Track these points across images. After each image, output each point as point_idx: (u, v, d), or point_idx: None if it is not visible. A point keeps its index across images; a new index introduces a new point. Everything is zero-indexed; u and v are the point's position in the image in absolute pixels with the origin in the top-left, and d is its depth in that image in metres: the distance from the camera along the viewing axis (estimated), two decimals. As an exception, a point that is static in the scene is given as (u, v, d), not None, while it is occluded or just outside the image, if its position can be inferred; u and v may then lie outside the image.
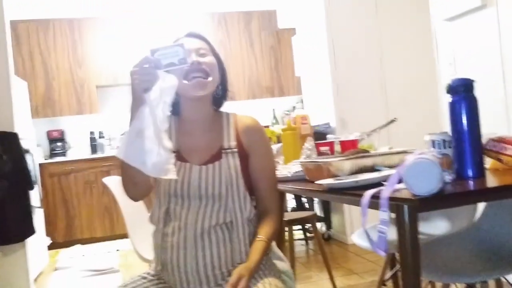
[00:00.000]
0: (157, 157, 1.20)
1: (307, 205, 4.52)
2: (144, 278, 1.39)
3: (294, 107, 6.34)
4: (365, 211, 1.17)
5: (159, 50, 1.16)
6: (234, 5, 6.05)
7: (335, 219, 4.32)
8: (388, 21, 4.21)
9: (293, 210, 4.51)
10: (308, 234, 4.37)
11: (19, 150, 3.43)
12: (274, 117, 6.21)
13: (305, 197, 4.50)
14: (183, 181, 1.37)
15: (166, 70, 1.20)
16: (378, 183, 1.27)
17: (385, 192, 1.11)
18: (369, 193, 1.16)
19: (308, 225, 4.35)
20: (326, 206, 4.33)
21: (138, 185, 1.38)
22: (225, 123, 1.47)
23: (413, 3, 4.27)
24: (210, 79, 1.39)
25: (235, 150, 1.42)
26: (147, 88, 1.18)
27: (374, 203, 1.16)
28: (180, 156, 1.42)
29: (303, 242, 4.31)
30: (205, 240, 1.33)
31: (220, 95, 1.50)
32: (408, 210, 1.15)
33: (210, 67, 1.40)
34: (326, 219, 4.35)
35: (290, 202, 4.76)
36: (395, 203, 1.14)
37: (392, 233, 1.33)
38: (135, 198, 1.43)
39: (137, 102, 1.21)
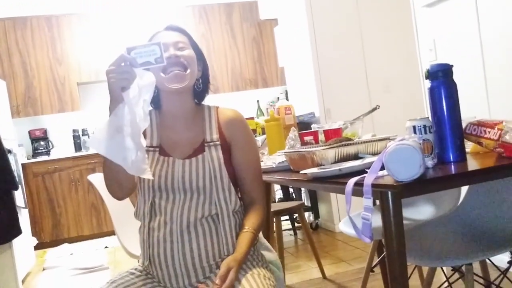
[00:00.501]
0: (135, 156, 1.19)
1: (294, 195, 4.54)
2: (132, 273, 1.39)
3: (278, 98, 6.34)
4: (349, 199, 1.17)
5: (136, 49, 1.15)
6: (214, -3, 6.01)
7: (322, 208, 4.35)
8: (368, 9, 4.23)
9: (280, 200, 4.53)
10: (296, 224, 4.40)
11: (1, 151, 3.38)
12: (259, 109, 6.21)
13: (292, 187, 4.52)
14: (167, 175, 1.37)
15: (142, 68, 1.19)
16: (361, 171, 1.27)
17: (368, 179, 1.11)
18: (352, 180, 1.16)
19: (295, 215, 4.37)
20: (313, 196, 4.35)
21: (123, 185, 1.37)
22: (207, 116, 1.47)
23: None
24: (188, 72, 1.38)
25: (218, 143, 1.42)
26: (124, 86, 1.17)
27: (358, 190, 1.17)
28: (162, 150, 1.42)
29: (291, 232, 4.33)
30: (191, 233, 1.33)
31: (201, 88, 1.49)
32: (392, 196, 1.16)
33: (188, 60, 1.39)
34: (314, 209, 4.37)
35: (277, 192, 4.78)
36: (379, 190, 1.15)
37: (377, 220, 1.35)
38: (120, 197, 1.42)
39: (115, 101, 1.19)
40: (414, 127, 1.27)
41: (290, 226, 4.37)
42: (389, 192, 1.16)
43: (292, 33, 4.46)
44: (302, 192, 4.55)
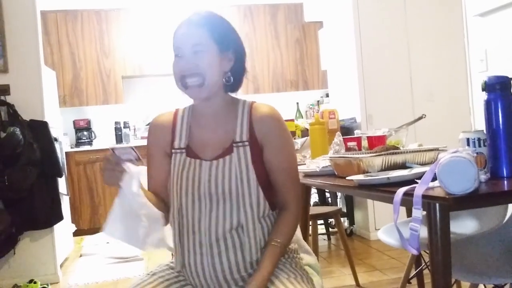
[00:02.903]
0: (147, 230, 1.33)
1: (330, 200, 4.51)
2: (172, 268, 1.40)
3: (318, 101, 6.32)
4: (397, 208, 1.16)
5: (117, 149, 1.29)
6: (260, -2, 6.03)
7: (358, 214, 4.30)
8: (416, 15, 4.15)
9: (316, 204, 4.51)
10: (330, 229, 4.37)
11: (48, 138, 3.51)
12: (298, 111, 6.19)
13: (328, 192, 4.49)
14: (194, 178, 1.33)
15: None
16: (410, 181, 1.26)
17: (419, 189, 1.10)
18: (401, 190, 1.15)
19: (330, 220, 4.34)
20: (349, 202, 4.31)
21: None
22: (240, 113, 1.38)
23: (444, -2, 4.20)
24: (206, 83, 1.31)
25: (247, 143, 1.34)
26: (115, 181, 1.28)
27: (407, 200, 1.16)
28: (190, 151, 1.38)
29: (325, 237, 4.31)
30: (220, 246, 1.31)
31: (233, 80, 1.37)
32: (440, 208, 1.14)
33: (205, 67, 1.31)
34: (349, 215, 4.33)
35: (313, 196, 4.76)
36: (427, 201, 1.13)
37: (421, 231, 1.33)
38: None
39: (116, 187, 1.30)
40: (468, 139, 1.25)
41: (324, 231, 4.34)
42: (437, 204, 1.14)
43: (337, 36, 4.43)
44: (338, 197, 4.51)
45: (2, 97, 3.42)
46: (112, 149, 1.29)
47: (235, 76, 1.39)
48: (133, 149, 1.28)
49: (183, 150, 1.39)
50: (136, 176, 1.29)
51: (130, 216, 1.30)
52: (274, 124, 1.37)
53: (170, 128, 1.43)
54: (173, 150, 1.40)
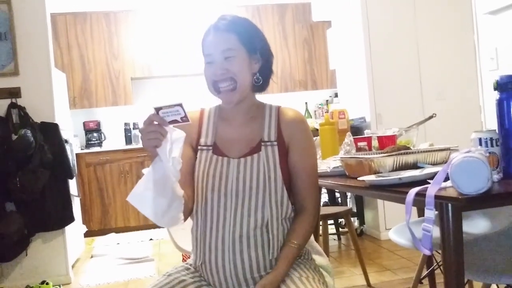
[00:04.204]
0: (167, 207, 1.25)
1: (340, 200, 4.50)
2: (188, 269, 1.41)
3: (327, 101, 6.30)
4: (409, 209, 1.16)
5: (162, 109, 1.20)
6: (268, -2, 6.03)
7: (368, 214, 4.29)
8: (425, 13, 4.13)
9: (325, 204, 4.50)
10: (340, 229, 4.36)
11: (59, 140, 3.54)
12: (307, 111, 6.19)
13: (338, 192, 4.48)
14: (221, 175, 1.36)
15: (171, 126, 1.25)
16: (421, 181, 1.26)
17: (431, 190, 1.10)
18: (413, 190, 1.15)
19: (340, 220, 4.34)
20: (359, 202, 4.30)
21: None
22: (267, 115, 1.44)
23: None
24: (238, 87, 1.35)
25: (275, 143, 1.39)
26: (156, 145, 1.21)
27: (419, 201, 1.15)
28: (217, 149, 1.41)
29: (335, 237, 4.30)
30: (243, 243, 1.32)
31: (261, 81, 1.43)
32: (452, 208, 1.14)
33: (237, 72, 1.35)
34: (359, 215, 4.32)
35: (323, 196, 4.75)
36: (439, 201, 1.13)
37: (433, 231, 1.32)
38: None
39: (152, 157, 1.24)
40: (480, 139, 1.24)
41: (334, 231, 4.33)
42: (450, 205, 1.14)
43: (346, 35, 4.42)
44: (348, 197, 4.50)
45: (13, 100, 3.45)
46: (156, 109, 1.21)
47: (263, 77, 1.44)
48: (181, 107, 1.20)
49: (210, 148, 1.43)
50: (178, 141, 1.22)
51: (158, 187, 1.23)
52: (301, 128, 1.43)
53: (196, 125, 1.46)
54: (199, 147, 1.44)
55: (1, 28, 3.47)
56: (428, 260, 2.40)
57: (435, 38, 4.14)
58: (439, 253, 1.35)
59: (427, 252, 1.13)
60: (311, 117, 6.12)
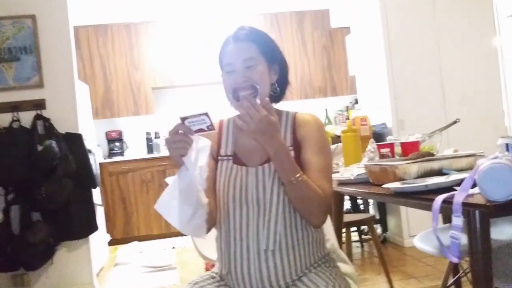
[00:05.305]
0: (193, 217, 1.26)
1: (361, 207, 4.46)
2: (213, 277, 1.42)
3: (347, 107, 6.28)
4: (436, 216, 1.15)
5: (188, 118, 1.21)
6: (286, 5, 6.05)
7: (391, 221, 4.25)
8: (446, 17, 4.09)
9: (348, 212, 4.46)
10: (363, 236, 4.32)
11: (83, 150, 3.59)
12: (327, 117, 6.17)
13: (360, 199, 4.45)
14: (241, 185, 1.37)
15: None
16: (447, 188, 1.24)
17: (459, 197, 1.09)
18: (440, 198, 1.14)
19: (363, 227, 4.30)
20: (382, 208, 4.26)
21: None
22: (284, 122, 1.45)
23: (474, 0, 4.13)
24: (259, 95, 1.33)
25: (291, 148, 1.39)
26: (182, 154, 1.22)
27: (446, 208, 1.14)
28: (237, 159, 1.43)
29: (358, 244, 4.26)
30: (268, 251, 1.32)
31: (279, 92, 1.46)
32: (480, 215, 1.13)
33: (258, 80, 1.35)
34: (382, 221, 4.28)
35: (345, 203, 4.72)
36: (467, 208, 1.12)
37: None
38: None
39: (179, 166, 1.25)
40: (507, 144, 1.22)
41: (357, 238, 4.30)
42: (477, 212, 1.13)
43: (365, 41, 4.41)
44: (370, 204, 4.47)
45: (39, 111, 3.52)
46: (182, 118, 1.22)
47: (281, 87, 1.47)
48: (207, 115, 1.21)
49: (230, 157, 1.44)
50: (204, 149, 1.23)
51: (183, 195, 1.24)
52: (315, 127, 1.43)
53: (216, 136, 1.48)
54: (219, 157, 1.46)
55: (26, 42, 3.55)
56: (454, 268, 2.37)
57: (456, 42, 4.09)
58: (465, 261, 1.34)
59: (456, 260, 1.12)
60: (331, 124, 6.10)
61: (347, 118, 6.07)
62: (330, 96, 6.14)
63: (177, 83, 5.92)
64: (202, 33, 5.85)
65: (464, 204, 1.09)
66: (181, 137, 1.21)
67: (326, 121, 6.12)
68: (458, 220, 1.08)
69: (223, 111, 1.52)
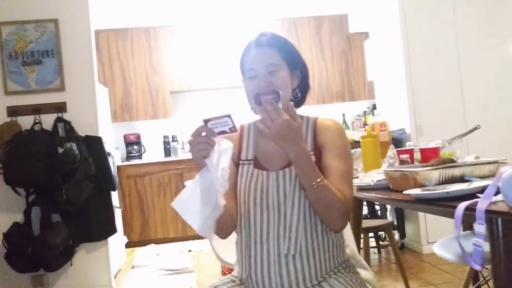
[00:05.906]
0: (208, 218, 1.26)
1: (379, 213, 4.43)
2: (233, 281, 1.43)
3: (365, 112, 6.25)
4: (459, 224, 1.14)
5: (211, 120, 1.23)
6: (304, 10, 6.06)
7: (409, 227, 4.21)
8: (466, 22, 4.05)
9: (365, 217, 4.44)
10: (380, 242, 4.29)
11: (103, 153, 3.63)
12: (345, 122, 6.15)
13: (378, 204, 4.42)
14: (262, 190, 1.38)
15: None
16: (469, 195, 1.23)
17: (482, 204, 1.08)
18: (463, 205, 1.13)
19: (380, 233, 4.27)
20: (399, 214, 4.23)
21: (224, 229, 1.40)
22: (305, 128, 1.45)
23: (494, 5, 4.09)
24: (281, 100, 1.34)
25: (311, 152, 1.39)
26: (204, 155, 1.24)
27: (468, 215, 1.13)
28: (257, 163, 1.44)
29: (375, 250, 4.23)
30: (288, 256, 1.33)
31: (300, 97, 1.47)
32: (503, 223, 1.12)
33: (281, 85, 1.37)
34: (400, 228, 4.24)
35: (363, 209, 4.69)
36: (489, 216, 1.11)
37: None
38: (224, 237, 1.44)
39: (200, 166, 1.26)
40: (531, 152, 1.21)
41: (375, 244, 4.27)
42: (500, 219, 1.12)
43: (384, 46, 4.39)
44: (388, 209, 4.43)
45: (59, 114, 3.57)
46: (205, 120, 1.23)
47: (302, 92, 1.49)
48: (230, 118, 1.22)
49: (251, 162, 1.45)
50: (226, 152, 1.24)
51: (203, 196, 1.24)
52: (335, 131, 1.43)
53: (237, 140, 1.50)
54: (240, 162, 1.47)
55: (48, 46, 3.61)
56: (474, 275, 2.34)
57: (477, 46, 4.05)
58: (486, 268, 1.32)
59: (478, 268, 1.11)
60: (349, 129, 6.08)
61: (365, 124, 6.04)
62: (347, 101, 6.12)
63: (194, 87, 5.96)
64: (220, 37, 5.88)
65: (487, 212, 1.08)
66: (203, 139, 1.23)
67: (344, 126, 6.10)
68: (481, 227, 1.07)
69: (241, 115, 1.52)
